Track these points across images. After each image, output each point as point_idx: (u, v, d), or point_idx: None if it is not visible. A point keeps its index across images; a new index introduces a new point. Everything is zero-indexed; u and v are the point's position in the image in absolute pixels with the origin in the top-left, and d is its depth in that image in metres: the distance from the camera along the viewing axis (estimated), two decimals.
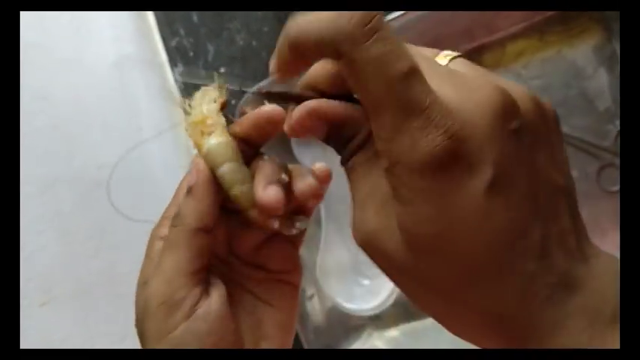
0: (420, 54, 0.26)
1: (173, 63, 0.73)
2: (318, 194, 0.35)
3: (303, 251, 0.31)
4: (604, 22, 0.55)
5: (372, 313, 0.70)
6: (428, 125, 0.24)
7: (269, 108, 0.34)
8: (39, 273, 0.55)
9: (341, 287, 0.71)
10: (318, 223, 0.71)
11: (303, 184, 0.34)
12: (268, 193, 0.33)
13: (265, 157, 0.36)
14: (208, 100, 0.36)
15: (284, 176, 0.34)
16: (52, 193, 0.58)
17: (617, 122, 0.54)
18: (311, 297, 0.72)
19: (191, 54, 0.72)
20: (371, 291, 0.70)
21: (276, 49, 0.29)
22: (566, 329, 0.24)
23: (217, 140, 0.35)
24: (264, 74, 0.64)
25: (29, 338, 0.53)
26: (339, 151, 0.29)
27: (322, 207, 0.71)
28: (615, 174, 0.53)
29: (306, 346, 0.66)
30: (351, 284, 0.72)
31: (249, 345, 0.36)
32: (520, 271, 0.24)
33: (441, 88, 0.25)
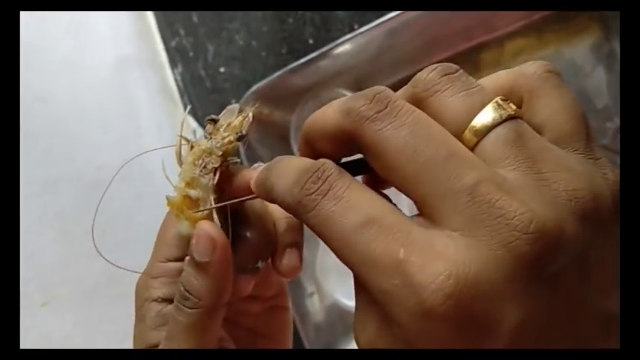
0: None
1: (173, 63, 0.73)
2: (298, 271, 0.32)
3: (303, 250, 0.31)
4: (602, 21, 0.55)
5: None
6: (410, 283, 0.20)
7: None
8: (39, 273, 0.55)
9: (341, 285, 0.71)
10: None
11: (285, 265, 0.31)
12: (236, 284, 0.31)
13: (247, 234, 0.32)
14: (206, 164, 0.31)
15: (259, 264, 0.32)
16: (52, 194, 0.58)
17: (615, 120, 0.54)
18: (311, 295, 0.72)
19: (191, 54, 0.72)
20: None
21: None
22: None
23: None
24: (264, 74, 0.65)
25: (30, 338, 0.53)
26: None
27: None
28: None
29: (306, 344, 0.66)
30: (350, 282, 0.72)
31: None
32: None
33: (451, 220, 0.21)
